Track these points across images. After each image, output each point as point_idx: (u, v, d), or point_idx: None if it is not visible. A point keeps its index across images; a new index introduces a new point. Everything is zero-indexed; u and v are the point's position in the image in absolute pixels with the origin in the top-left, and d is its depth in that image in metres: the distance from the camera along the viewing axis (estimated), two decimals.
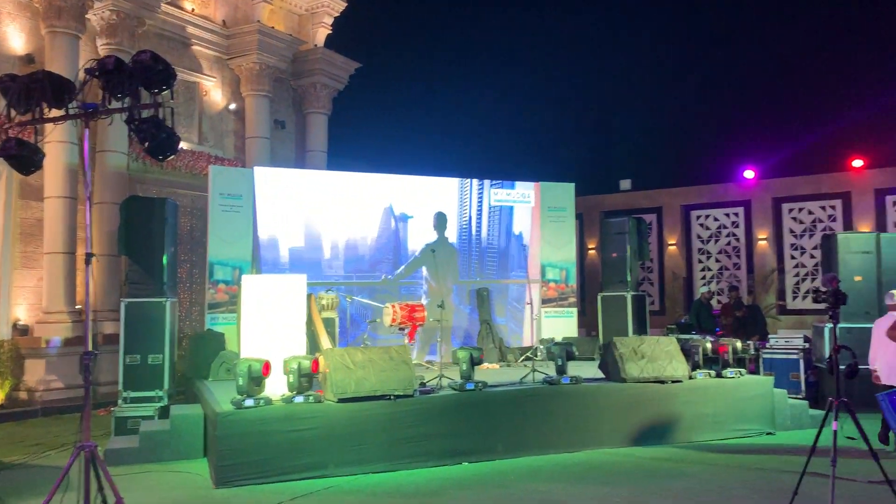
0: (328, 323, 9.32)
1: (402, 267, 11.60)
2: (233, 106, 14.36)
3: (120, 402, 8.35)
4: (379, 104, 18.19)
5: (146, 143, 4.78)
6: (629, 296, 11.30)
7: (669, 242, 16.04)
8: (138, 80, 4.63)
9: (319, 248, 11.16)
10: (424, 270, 11.58)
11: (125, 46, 11.67)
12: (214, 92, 14.14)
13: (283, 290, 7.77)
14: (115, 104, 4.75)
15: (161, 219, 8.77)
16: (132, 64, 4.66)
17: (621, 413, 7.68)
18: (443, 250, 11.82)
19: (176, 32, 13.36)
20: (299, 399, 6.64)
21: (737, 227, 15.40)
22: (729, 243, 15.44)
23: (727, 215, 15.56)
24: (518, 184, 12.48)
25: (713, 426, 7.96)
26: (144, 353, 8.44)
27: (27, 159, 5.00)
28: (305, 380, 6.75)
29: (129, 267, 8.76)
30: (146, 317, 8.50)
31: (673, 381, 7.96)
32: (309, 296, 8.79)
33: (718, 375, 8.26)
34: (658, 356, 8.05)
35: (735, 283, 14.48)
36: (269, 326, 7.63)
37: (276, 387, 6.89)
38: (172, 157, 5.23)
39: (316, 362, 6.81)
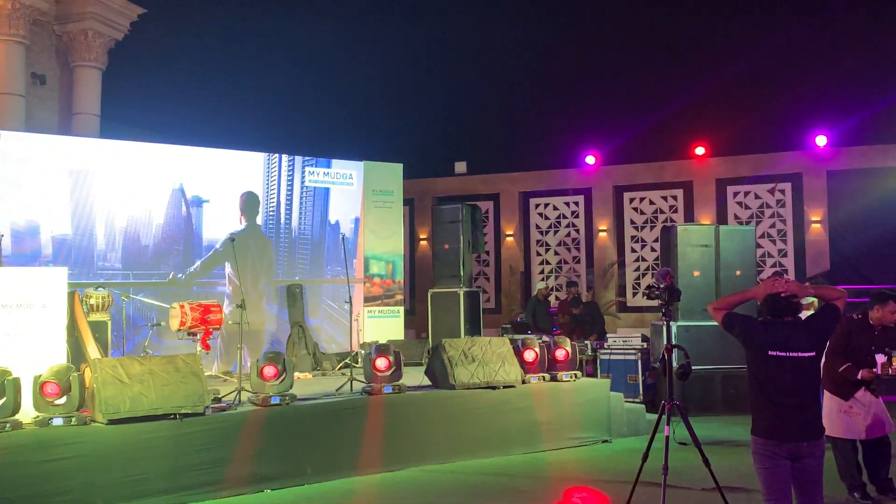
0: (98, 327, 8.75)
1: (198, 263, 11.09)
2: None
3: None
4: (167, 60, 17.26)
5: None
6: (462, 292, 11.59)
7: (507, 233, 16.65)
8: None
9: (92, 236, 10.42)
10: (228, 267, 11.14)
11: None
12: None
13: (36, 286, 7.17)
14: None
15: None
16: None
17: (450, 424, 7.88)
18: (253, 241, 11.47)
19: None
20: (58, 421, 6.21)
21: (577, 216, 16.27)
22: (569, 234, 16.28)
23: (567, 204, 16.40)
24: (336, 162, 12.39)
25: (549, 435, 8.37)
26: None
27: None
28: (66, 397, 6.30)
29: None
30: None
31: (505, 387, 8.27)
32: (72, 294, 8.19)
33: (554, 379, 8.69)
34: (490, 359, 8.33)
35: (574, 279, 15.28)
36: (17, 331, 7.01)
37: (28, 408, 6.37)
38: None
39: (78, 377, 6.38)
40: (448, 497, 6.57)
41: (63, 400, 6.33)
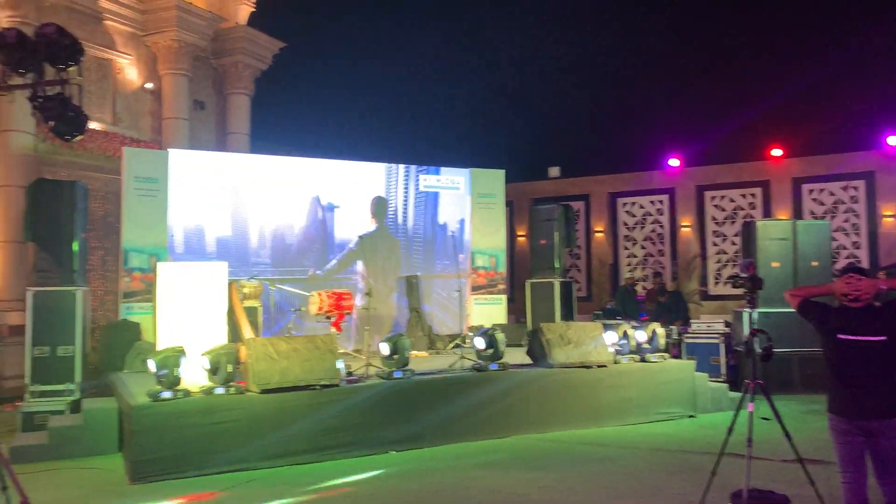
0: (251, 312, 9.15)
1: (334, 261, 11.43)
2: (149, 85, 13.85)
3: (27, 396, 8.01)
4: (304, 85, 17.85)
5: (51, 123, 4.57)
6: (557, 282, 11.50)
7: (596, 230, 16.39)
8: (42, 55, 4.41)
9: (246, 236, 10.94)
10: (360, 265, 11.43)
11: (30, 19, 11.08)
12: (129, 70, 13.60)
13: (203, 277, 7.59)
14: (17, 80, 4.51)
15: (70, 203, 8.43)
16: (36, 37, 4.43)
17: (548, 399, 7.84)
18: (382, 241, 11.73)
19: (87, 6, 12.76)
20: (220, 391, 6.52)
21: (661, 214, 15.85)
22: (654, 230, 15.89)
23: (652, 203, 15.99)
24: (445, 170, 12.51)
25: (637, 410, 8.21)
26: (54, 345, 8.13)
27: None
28: (226, 371, 6.62)
29: (37, 254, 8.39)
30: (55, 306, 8.17)
31: (598, 366, 8.16)
32: (230, 284, 8.60)
33: (643, 360, 8.52)
34: (584, 341, 8.24)
35: (659, 270, 14.92)
36: (187, 316, 7.44)
37: (195, 378, 6.73)
38: (81, 137, 5.00)
39: (238, 352, 6.69)
40: (548, 460, 6.55)
41: (224, 373, 6.64)
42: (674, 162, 15.60)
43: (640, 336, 8.59)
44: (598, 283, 16.13)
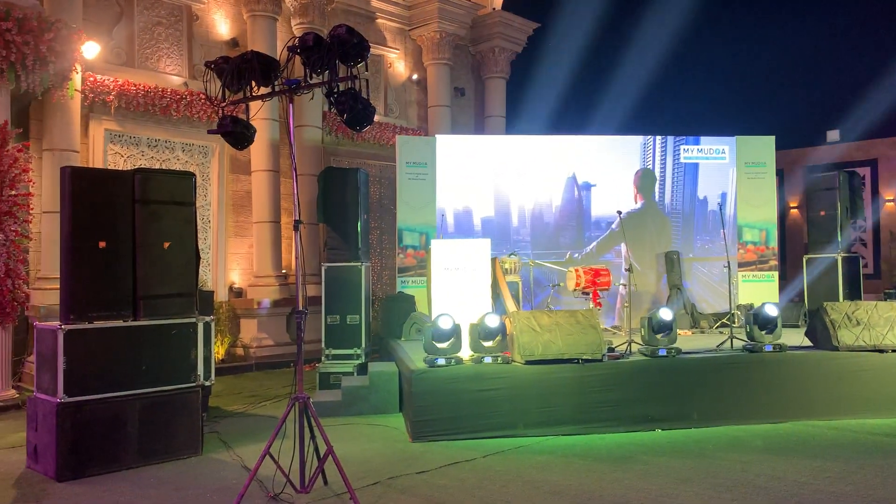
0: (512, 287, 9.42)
1: (594, 244, 11.34)
2: (415, 76, 14.77)
3: (323, 358, 9.02)
4: (556, 64, 17.83)
5: (344, 115, 5.03)
6: (840, 258, 10.35)
7: (887, 198, 14.45)
8: (335, 54, 4.86)
9: (508, 216, 11.32)
10: (624, 248, 11.25)
11: (316, 24, 12.36)
12: (398, 63, 14.62)
13: (469, 254, 7.95)
14: (314, 79, 5.03)
15: (354, 188, 9.26)
16: (329, 39, 4.90)
17: (832, 384, 7.10)
18: (651, 218, 11.45)
19: (361, 7, 13.93)
20: (488, 360, 6.80)
21: None
22: None
23: None
24: (706, 139, 11.76)
25: None
26: (343, 314, 9.01)
27: (241, 135, 5.45)
28: (494, 341, 6.88)
29: (328, 234, 9.36)
30: (344, 280, 9.05)
31: (894, 350, 7.21)
32: (493, 259, 8.92)
33: None
34: (876, 323, 7.33)
35: None
36: (456, 289, 7.85)
37: (465, 348, 7.09)
38: (367, 128, 5.46)
39: (504, 324, 6.92)
40: (834, 450, 5.93)
41: (491, 343, 6.92)
42: None
43: None
44: (887, 259, 14.24)
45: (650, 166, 11.64)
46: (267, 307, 11.61)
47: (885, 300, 9.76)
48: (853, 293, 10.34)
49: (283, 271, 12.11)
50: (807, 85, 16.61)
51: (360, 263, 9.10)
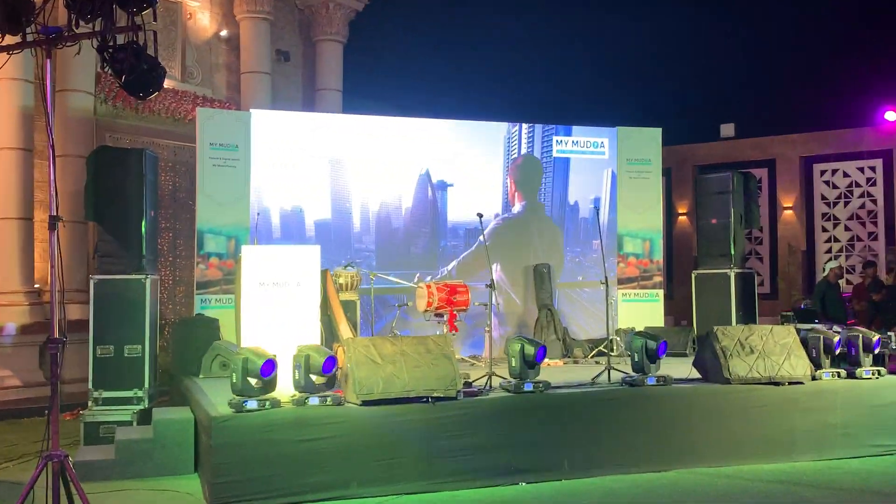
0: (348, 307, 9.41)
1: (454, 263, 11.62)
2: (224, 33, 14.46)
3: (90, 403, 8.57)
4: (408, 29, 18.09)
5: (123, 77, 4.83)
6: (733, 273, 11.21)
7: (785, 205, 15.82)
8: None
9: (348, 218, 11.33)
10: (498, 269, 11.53)
11: None
12: (201, 15, 14.23)
13: (292, 264, 7.84)
14: (83, 29, 4.80)
15: (138, 175, 8.91)
16: None
17: (724, 422, 7.63)
18: (537, 228, 11.90)
19: None
20: (314, 401, 6.72)
21: (873, 185, 15.14)
22: (863, 206, 15.18)
23: (861, 170, 15.28)
24: (582, 129, 12.37)
25: (844, 440, 7.85)
26: (119, 344, 8.65)
27: None
28: (322, 377, 6.83)
29: (100, 236, 8.95)
30: (121, 298, 8.68)
31: (791, 383, 7.87)
32: (324, 272, 8.86)
33: (850, 376, 8.14)
34: (772, 351, 7.97)
35: (871, 258, 14.25)
36: (275, 310, 7.71)
37: (284, 386, 6.98)
38: (154, 95, 5.27)
39: (334, 356, 6.88)
40: (725, 502, 6.38)
41: (319, 379, 6.85)
42: (890, 115, 14.79)
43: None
44: (785, 276, 15.60)
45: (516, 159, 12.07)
46: (12, 334, 10.92)
47: (783, 323, 10.69)
48: (747, 315, 11.22)
49: (37, 286, 11.43)
50: (699, 72, 17.86)
51: (143, 276, 8.77)
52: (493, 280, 8.69)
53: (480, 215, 8.97)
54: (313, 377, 6.84)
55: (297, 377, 6.84)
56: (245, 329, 7.85)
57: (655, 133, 12.62)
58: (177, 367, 9.71)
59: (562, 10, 17.96)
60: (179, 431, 7.39)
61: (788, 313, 12.77)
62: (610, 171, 12.37)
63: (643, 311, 12.23)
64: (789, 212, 15.74)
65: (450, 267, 11.58)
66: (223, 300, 10.57)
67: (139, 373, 8.67)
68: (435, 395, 6.87)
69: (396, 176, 11.60)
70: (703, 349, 8.30)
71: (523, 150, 12.11)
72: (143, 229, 8.90)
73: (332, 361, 6.78)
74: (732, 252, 11.31)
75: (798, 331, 8.50)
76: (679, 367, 8.47)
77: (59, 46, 4.80)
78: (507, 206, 12.01)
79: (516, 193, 11.87)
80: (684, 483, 7.02)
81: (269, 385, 6.79)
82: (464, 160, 11.83)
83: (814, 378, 8.02)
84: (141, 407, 8.55)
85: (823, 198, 15.60)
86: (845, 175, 15.37)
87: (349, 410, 6.72)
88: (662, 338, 7.99)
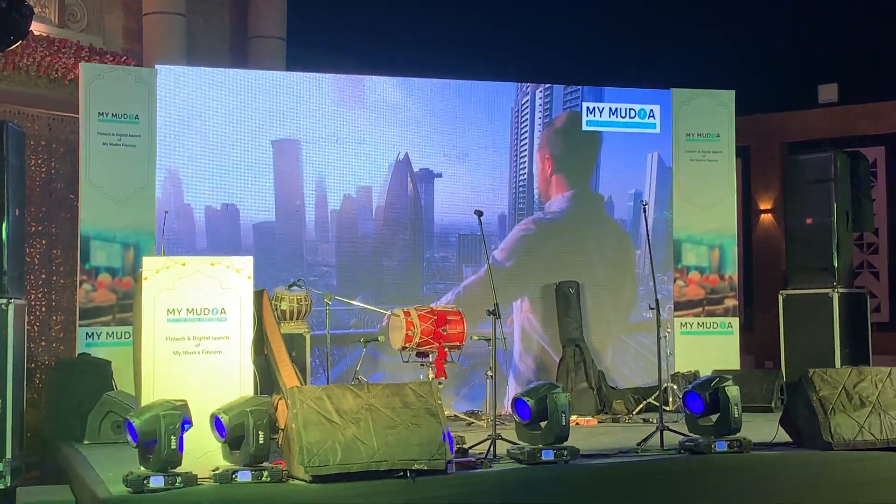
0: (293, 342, 9.40)
1: (457, 291, 11.53)
2: None
3: None
4: None
5: None
6: (836, 295, 11.25)
7: None
8: None
9: (299, 220, 11.34)
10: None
11: None
12: None
13: (215, 282, 7.82)
14: None
15: None
16: None
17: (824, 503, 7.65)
18: (592, 232, 11.94)
19: None
20: (244, 476, 6.72)
21: None
22: None
23: None
24: (614, 92, 12.39)
25: None
26: None
27: None
28: (255, 442, 6.81)
29: None
30: None
31: None
32: (258, 293, 8.83)
33: None
34: (891, 404, 8.01)
35: None
36: (189, 348, 7.69)
37: (203, 454, 6.97)
38: (17, 44, 5.28)
39: (219, 416, 6.87)
40: None
41: (251, 447, 6.83)
42: None
43: None
44: None
45: (526, 136, 12.06)
46: None
47: None
48: (857, 353, 11.23)
49: None
50: (789, 11, 17.92)
51: (4, 300, 8.76)
52: (496, 305, 8.59)
53: (480, 213, 8.96)
54: (245, 443, 6.84)
55: (222, 442, 6.83)
56: (148, 375, 7.83)
57: (727, 97, 12.65)
58: (52, 430, 9.71)
59: None
60: None
61: None
62: (656, 154, 12.36)
63: (711, 347, 12.26)
64: None
65: (446, 299, 11.45)
66: (117, 334, 10.56)
67: None
68: (416, 467, 6.84)
69: (364, 162, 11.59)
70: (795, 401, 8.32)
71: (537, 122, 12.06)
72: (3, 235, 8.90)
73: (220, 423, 6.76)
74: (836, 265, 11.35)
75: None
76: (761, 427, 8.50)
77: None
78: (532, 200, 12.00)
79: (554, 178, 11.75)
80: None
81: (184, 454, 6.78)
82: (456, 138, 11.80)
83: None
84: (1, 486, 8.54)
85: None
86: None
87: (294, 490, 6.70)
88: (737, 384, 8.00)
